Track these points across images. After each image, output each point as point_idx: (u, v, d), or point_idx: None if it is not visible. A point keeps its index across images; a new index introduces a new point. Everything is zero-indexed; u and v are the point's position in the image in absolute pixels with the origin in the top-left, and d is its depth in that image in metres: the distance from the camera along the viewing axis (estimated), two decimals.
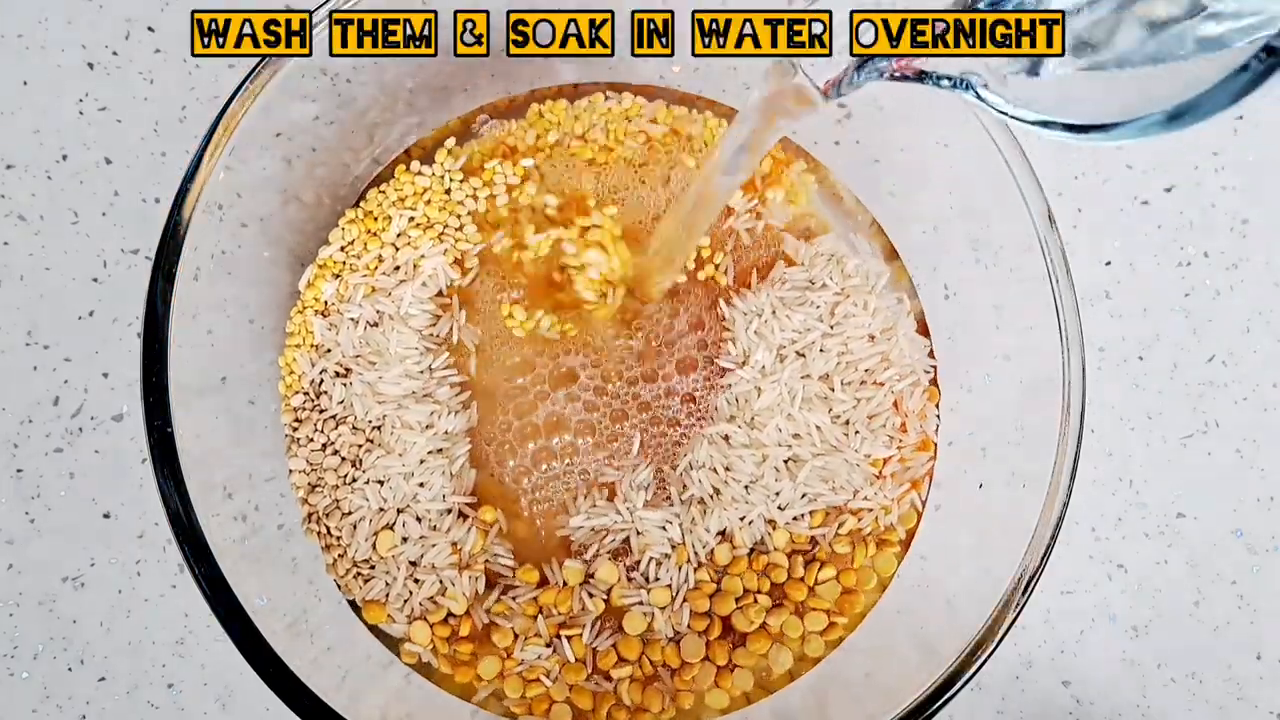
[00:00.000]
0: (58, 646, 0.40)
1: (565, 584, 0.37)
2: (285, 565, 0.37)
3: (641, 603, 0.37)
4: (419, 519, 0.37)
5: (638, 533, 0.38)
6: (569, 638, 0.36)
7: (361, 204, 0.39)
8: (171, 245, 0.32)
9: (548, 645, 0.37)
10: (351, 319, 0.38)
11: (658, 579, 0.37)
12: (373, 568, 0.37)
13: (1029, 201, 0.35)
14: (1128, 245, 0.44)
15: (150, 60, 0.42)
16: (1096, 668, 0.42)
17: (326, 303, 0.38)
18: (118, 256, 0.41)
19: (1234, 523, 0.43)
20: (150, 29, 0.42)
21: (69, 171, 0.41)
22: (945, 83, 0.25)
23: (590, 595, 0.37)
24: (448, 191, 0.40)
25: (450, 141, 0.40)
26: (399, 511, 0.37)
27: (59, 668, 0.40)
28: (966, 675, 0.32)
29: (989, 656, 0.33)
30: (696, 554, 0.38)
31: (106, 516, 0.40)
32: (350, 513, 0.37)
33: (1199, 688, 0.42)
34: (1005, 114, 0.24)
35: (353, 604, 0.37)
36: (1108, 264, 0.44)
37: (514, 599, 0.37)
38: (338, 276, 0.38)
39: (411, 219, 0.39)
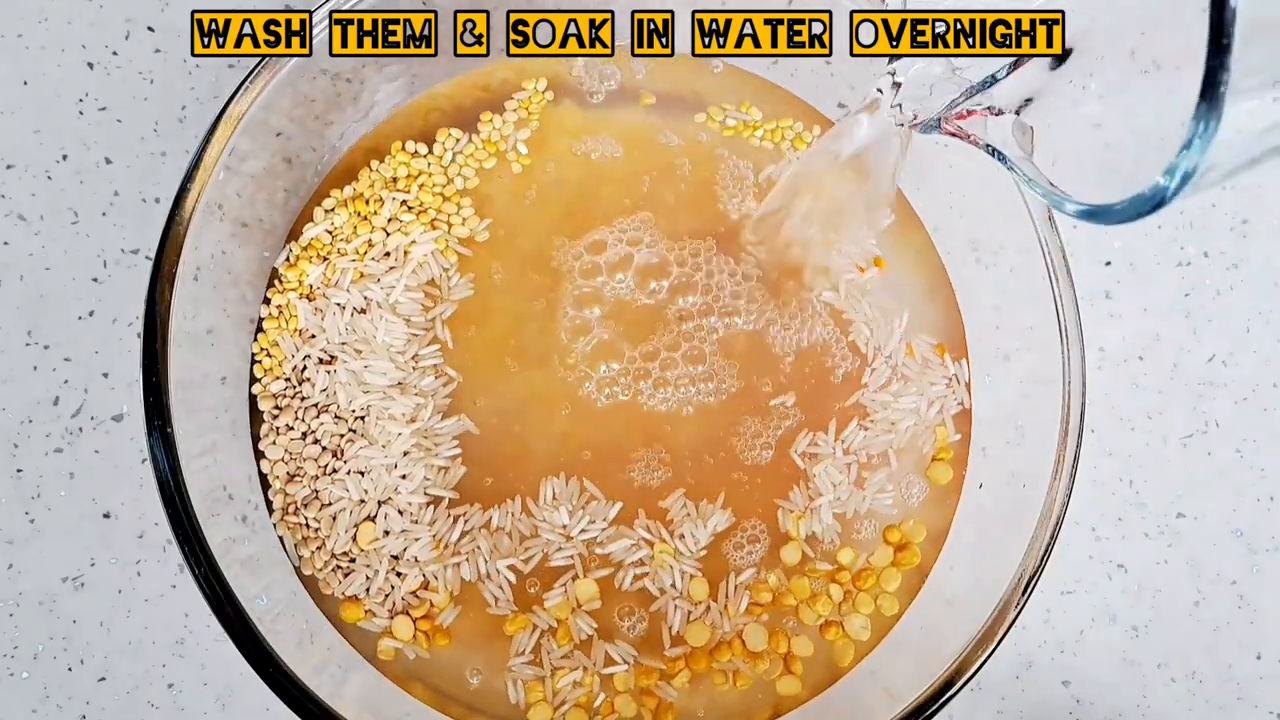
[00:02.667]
0: (58, 646, 0.40)
1: (558, 623, 0.37)
2: (286, 565, 0.37)
3: (689, 611, 0.37)
4: (401, 512, 0.37)
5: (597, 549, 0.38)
6: (607, 675, 0.37)
7: (352, 184, 0.39)
8: (171, 245, 0.32)
9: (575, 669, 0.36)
10: (339, 305, 0.37)
11: (673, 585, 0.37)
12: (353, 561, 0.37)
13: (1029, 201, 0.35)
14: (1128, 245, 0.44)
15: (150, 60, 0.42)
16: (1096, 668, 0.42)
17: (312, 287, 0.38)
18: (118, 256, 0.41)
19: (1234, 523, 0.43)
20: (150, 29, 0.42)
21: (69, 171, 0.41)
22: (985, 147, 0.27)
23: (585, 616, 0.37)
24: (445, 169, 0.39)
25: (456, 131, 0.40)
26: (380, 504, 0.37)
27: (59, 668, 0.40)
28: (966, 675, 0.32)
29: (989, 656, 0.33)
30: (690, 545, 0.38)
31: (106, 516, 0.40)
32: (330, 504, 0.36)
33: (1199, 688, 0.42)
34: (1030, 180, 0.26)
35: (320, 607, 0.37)
36: (1108, 264, 0.44)
37: (523, 654, 0.37)
38: (325, 259, 0.38)
39: (404, 202, 0.39)
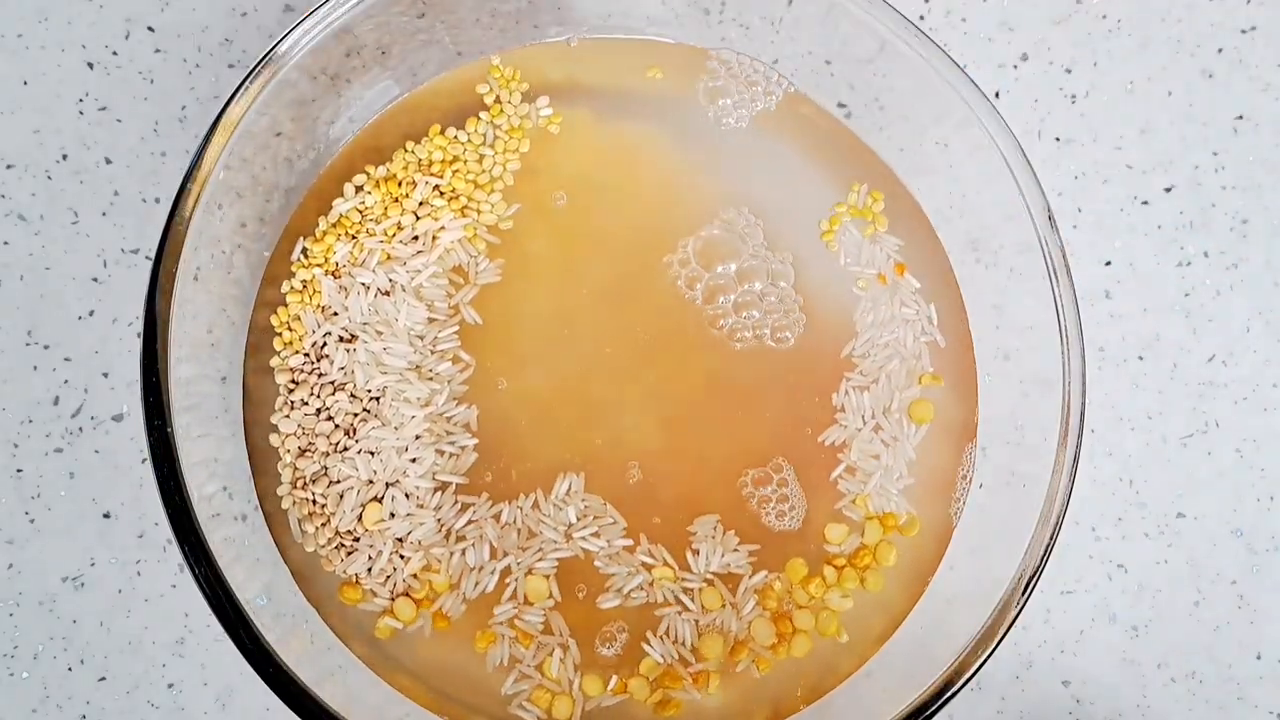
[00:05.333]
0: (58, 646, 0.40)
1: (513, 621, 0.37)
2: (286, 566, 0.37)
3: (697, 620, 0.37)
4: (408, 495, 0.37)
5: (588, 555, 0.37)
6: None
7: (386, 164, 0.39)
8: (171, 245, 0.32)
9: (551, 651, 0.37)
10: (363, 284, 0.37)
11: (676, 599, 0.37)
12: (356, 540, 0.37)
13: (1029, 201, 0.35)
14: (1128, 245, 0.44)
15: (150, 60, 0.42)
16: (1096, 668, 0.42)
17: (338, 264, 0.38)
18: (118, 256, 0.41)
19: (1234, 523, 0.43)
20: (150, 29, 0.42)
21: (69, 171, 0.41)
22: None
23: (539, 611, 0.37)
24: (480, 159, 0.39)
25: (485, 115, 0.39)
26: (388, 485, 0.37)
27: (59, 668, 0.40)
28: (967, 675, 0.32)
29: (989, 656, 0.33)
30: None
31: (106, 516, 0.40)
32: (338, 481, 0.36)
33: (1199, 688, 0.42)
34: None
35: (320, 608, 0.37)
36: (1108, 264, 0.44)
37: (510, 676, 0.37)
38: (353, 238, 0.38)
39: (436, 187, 0.38)
